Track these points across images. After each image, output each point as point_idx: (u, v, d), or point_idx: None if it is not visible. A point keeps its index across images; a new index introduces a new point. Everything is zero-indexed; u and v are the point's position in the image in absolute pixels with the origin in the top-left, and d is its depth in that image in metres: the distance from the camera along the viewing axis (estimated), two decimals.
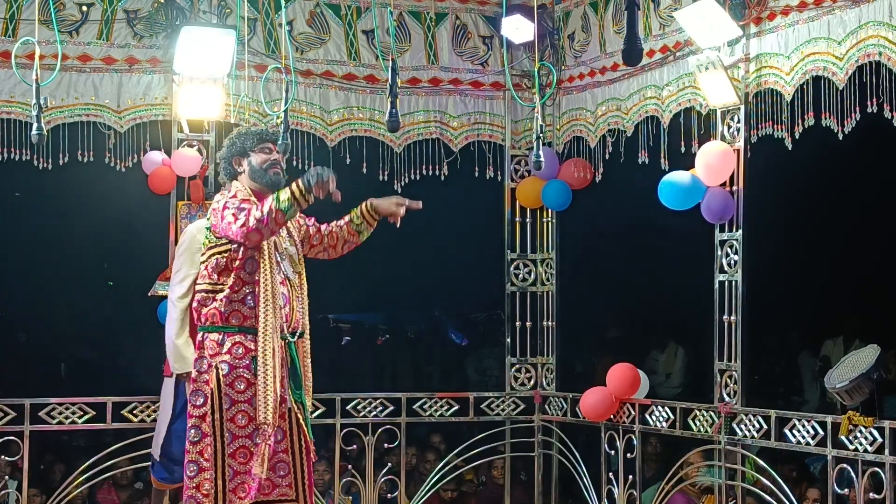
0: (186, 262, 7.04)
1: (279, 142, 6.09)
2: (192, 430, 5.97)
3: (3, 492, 8.10)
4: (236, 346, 5.91)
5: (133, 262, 9.40)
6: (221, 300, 5.93)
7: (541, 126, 5.94)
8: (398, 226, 6.15)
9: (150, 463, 7.59)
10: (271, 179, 6.03)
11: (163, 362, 8.11)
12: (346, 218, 6.22)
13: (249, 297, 5.92)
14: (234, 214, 5.84)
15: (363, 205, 6.18)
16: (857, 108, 6.67)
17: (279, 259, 5.99)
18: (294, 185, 5.74)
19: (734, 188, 7.46)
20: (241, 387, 5.89)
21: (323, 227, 6.26)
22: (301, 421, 6.06)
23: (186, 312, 6.93)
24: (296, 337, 6.05)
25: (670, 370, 10.74)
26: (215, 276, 5.97)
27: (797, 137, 7.08)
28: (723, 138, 7.51)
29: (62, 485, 8.12)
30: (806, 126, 7.01)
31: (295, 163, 8.31)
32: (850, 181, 9.72)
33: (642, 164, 8.07)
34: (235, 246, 5.91)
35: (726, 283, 7.52)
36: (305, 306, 6.12)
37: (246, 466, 5.88)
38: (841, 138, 6.80)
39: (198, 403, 5.97)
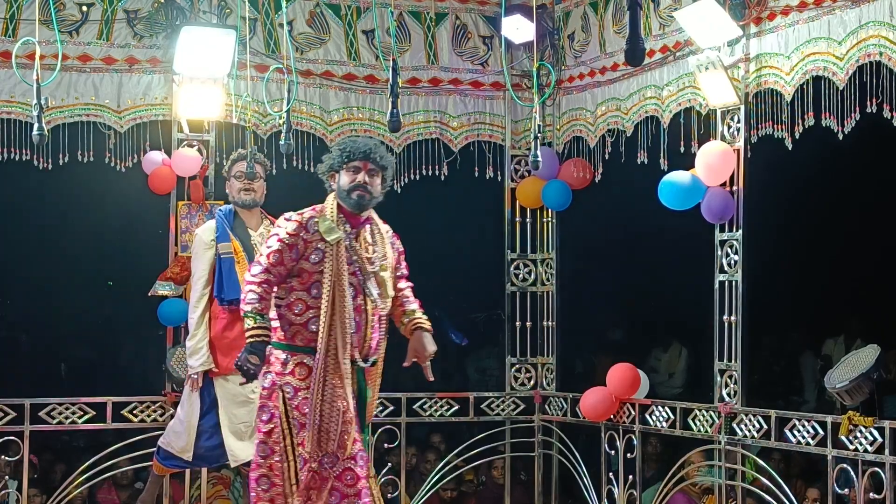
0: (200, 264, 7.09)
1: (359, 154, 5.94)
2: (261, 446, 5.92)
3: (3, 492, 8.10)
4: (300, 367, 5.86)
5: (133, 262, 9.39)
6: (282, 316, 5.88)
7: (539, 126, 5.94)
8: (405, 365, 6.19)
9: (155, 450, 7.56)
10: (354, 202, 5.93)
11: (162, 362, 8.15)
12: (403, 309, 6.23)
13: (313, 322, 5.85)
14: (252, 277, 5.83)
15: (418, 322, 6.20)
16: (857, 108, 6.67)
17: (365, 288, 5.91)
18: (250, 336, 5.74)
19: (734, 188, 7.46)
20: (307, 409, 5.82)
21: (401, 284, 6.23)
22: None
23: (204, 313, 7.01)
24: (368, 364, 6.00)
25: (673, 370, 10.74)
26: (275, 288, 5.90)
27: (797, 137, 7.08)
28: (723, 138, 7.51)
29: (62, 485, 8.13)
30: (806, 126, 7.01)
31: (295, 163, 8.32)
32: (850, 181, 9.72)
33: (642, 164, 8.07)
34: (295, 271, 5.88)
35: (726, 283, 7.52)
36: (381, 335, 6.07)
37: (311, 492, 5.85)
38: (841, 138, 6.80)
39: (264, 419, 5.92)
